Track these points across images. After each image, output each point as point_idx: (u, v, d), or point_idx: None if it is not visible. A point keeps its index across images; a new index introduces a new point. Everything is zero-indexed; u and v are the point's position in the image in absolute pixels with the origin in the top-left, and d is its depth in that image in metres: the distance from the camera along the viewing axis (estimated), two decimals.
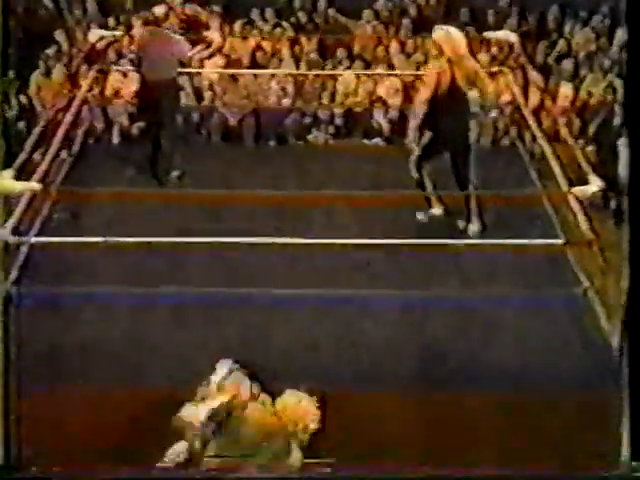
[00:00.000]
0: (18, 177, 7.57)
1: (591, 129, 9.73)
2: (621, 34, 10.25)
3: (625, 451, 6.64)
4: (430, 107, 8.01)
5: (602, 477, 4.93)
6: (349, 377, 6.91)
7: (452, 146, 8.11)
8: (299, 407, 5.90)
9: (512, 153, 9.60)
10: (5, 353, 6.41)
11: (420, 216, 8.28)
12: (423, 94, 8.09)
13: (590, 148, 9.33)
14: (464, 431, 6.79)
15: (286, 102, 10.48)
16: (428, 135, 8.15)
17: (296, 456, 5.92)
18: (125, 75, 10.34)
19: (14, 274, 7.35)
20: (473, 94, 8.12)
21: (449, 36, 8.05)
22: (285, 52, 10.74)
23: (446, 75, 7.99)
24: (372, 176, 8.79)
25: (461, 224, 8.18)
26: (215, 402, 5.94)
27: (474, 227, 8.11)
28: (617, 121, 9.59)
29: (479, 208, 8.15)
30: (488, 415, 6.77)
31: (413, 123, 8.13)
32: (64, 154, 9.26)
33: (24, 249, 7.60)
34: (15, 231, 7.15)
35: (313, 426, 5.91)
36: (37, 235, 7.81)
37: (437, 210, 8.24)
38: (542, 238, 7.54)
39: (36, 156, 8.48)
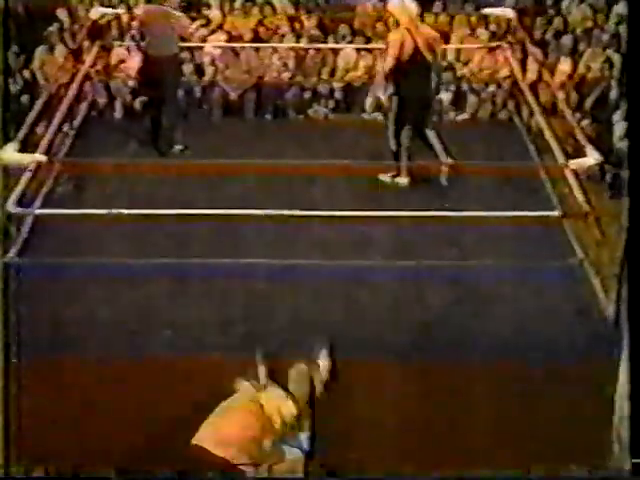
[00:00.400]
0: (22, 149, 7.66)
1: (588, 103, 9.82)
2: (619, 9, 10.33)
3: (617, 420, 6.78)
4: (395, 74, 8.32)
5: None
6: (348, 347, 6.94)
7: (416, 109, 8.45)
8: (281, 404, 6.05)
9: (509, 127, 9.72)
10: (5, 324, 6.52)
11: (383, 177, 8.54)
12: (387, 63, 8.39)
13: (586, 122, 9.42)
14: (461, 399, 6.94)
15: (287, 76, 10.57)
16: (395, 101, 8.46)
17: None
18: (128, 51, 10.44)
19: (18, 245, 7.43)
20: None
21: (404, 6, 8.35)
22: (286, 29, 10.82)
23: (408, 43, 8.25)
24: (371, 150, 8.88)
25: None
26: None
27: (403, 180, 8.52)
28: (614, 95, 9.68)
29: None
30: (485, 383, 6.88)
31: (378, 90, 8.61)
32: (67, 128, 9.34)
33: (28, 221, 7.70)
34: (19, 203, 7.21)
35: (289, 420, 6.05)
36: (41, 207, 7.92)
37: (403, 180, 8.54)
38: (539, 210, 7.61)
39: (39, 130, 8.59)
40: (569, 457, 6.94)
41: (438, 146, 8.49)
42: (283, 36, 10.76)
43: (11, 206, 7.03)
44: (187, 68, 10.33)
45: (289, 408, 6.05)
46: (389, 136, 8.56)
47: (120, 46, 10.46)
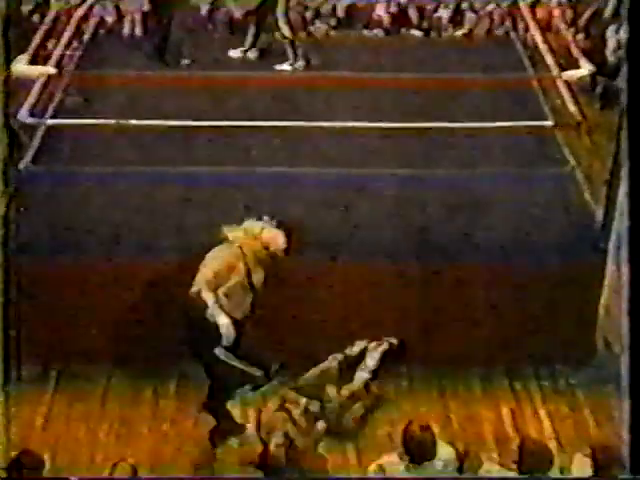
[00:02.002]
0: (32, 63, 7.86)
1: (583, 19, 9.93)
2: None
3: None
4: None
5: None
6: (349, 252, 7.26)
7: None
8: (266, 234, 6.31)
9: (506, 42, 9.84)
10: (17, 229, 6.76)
11: (233, 54, 9.02)
12: None
13: (580, 36, 9.55)
14: (455, 300, 7.18)
15: None
16: None
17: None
18: None
19: (30, 154, 7.62)
20: None
21: None
22: None
23: None
24: (371, 64, 9.05)
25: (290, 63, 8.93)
26: None
27: (300, 63, 8.96)
28: (608, 12, 9.80)
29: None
30: (479, 285, 7.15)
31: None
32: (76, 44, 9.49)
33: (40, 131, 7.88)
34: (31, 113, 7.40)
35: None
36: (52, 118, 8.07)
37: (290, 66, 9.04)
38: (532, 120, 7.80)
39: (49, 45, 8.76)
40: (555, 357, 7.27)
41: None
42: None
43: (23, 116, 7.23)
44: None
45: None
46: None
47: None
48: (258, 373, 6.27)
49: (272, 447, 5.66)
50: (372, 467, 5.64)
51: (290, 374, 6.55)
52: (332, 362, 6.35)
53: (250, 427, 6.23)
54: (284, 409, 6.07)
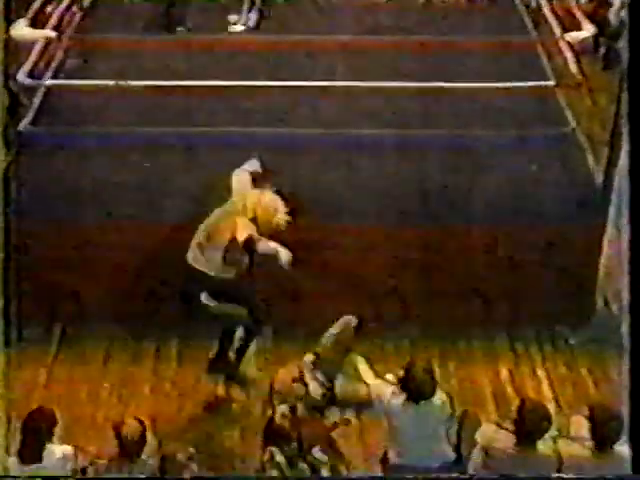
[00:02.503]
0: (32, 26, 7.86)
1: None
2: None
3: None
4: None
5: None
6: (348, 213, 7.26)
7: None
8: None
9: (508, 4, 9.79)
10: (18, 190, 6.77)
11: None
12: None
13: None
14: (455, 262, 7.21)
15: None
16: None
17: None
18: None
19: (30, 115, 7.59)
20: None
21: None
22: None
23: None
24: (372, 25, 9.05)
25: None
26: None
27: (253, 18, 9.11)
28: None
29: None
30: (479, 247, 7.17)
31: None
32: (75, 8, 9.49)
33: (40, 93, 7.84)
34: (30, 75, 7.39)
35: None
36: (51, 79, 8.03)
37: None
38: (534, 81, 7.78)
39: (49, 9, 8.75)
40: (555, 317, 7.34)
41: None
42: None
43: (22, 77, 7.22)
44: None
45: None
46: None
47: None
48: (243, 312, 6.26)
49: (277, 416, 5.68)
50: (376, 380, 5.57)
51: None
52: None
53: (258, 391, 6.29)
54: (302, 381, 5.90)
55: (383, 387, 5.48)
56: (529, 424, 5.18)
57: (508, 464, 5.23)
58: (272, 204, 6.12)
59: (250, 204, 6.09)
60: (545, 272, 7.18)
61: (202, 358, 6.78)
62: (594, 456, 5.21)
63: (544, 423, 5.20)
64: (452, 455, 5.45)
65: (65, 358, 7.12)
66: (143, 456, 5.31)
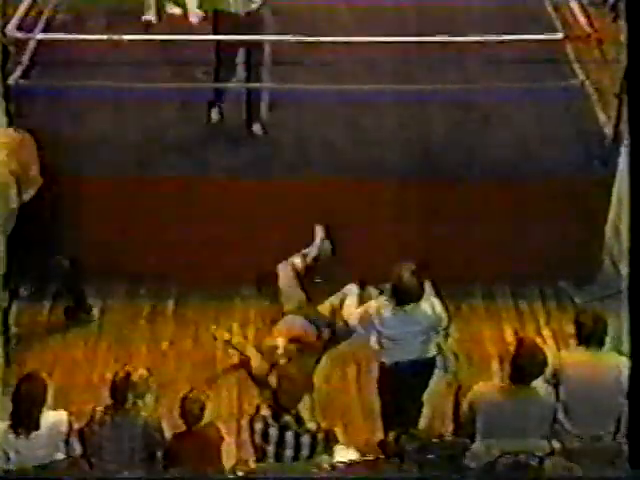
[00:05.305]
0: None
1: None
2: None
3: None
4: None
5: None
6: (351, 168, 7.10)
7: None
8: None
9: None
10: None
11: None
12: None
13: None
14: (460, 217, 7.05)
15: None
16: None
17: None
18: None
19: (20, 69, 7.38)
20: None
21: None
22: None
23: None
24: None
25: None
26: None
27: None
28: None
29: None
30: (486, 201, 6.99)
31: None
32: None
33: (30, 46, 7.61)
34: (19, 27, 7.16)
35: None
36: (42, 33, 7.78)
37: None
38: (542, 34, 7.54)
39: None
40: (560, 274, 7.21)
41: None
42: None
43: (11, 30, 7.00)
44: None
45: None
46: None
47: None
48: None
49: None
50: (360, 309, 5.92)
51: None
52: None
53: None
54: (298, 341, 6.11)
55: (372, 304, 5.81)
56: (524, 363, 5.21)
57: (495, 412, 5.25)
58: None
59: None
60: (551, 227, 7.01)
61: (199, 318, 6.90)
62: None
63: (539, 363, 5.22)
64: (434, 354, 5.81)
65: (60, 318, 7.00)
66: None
